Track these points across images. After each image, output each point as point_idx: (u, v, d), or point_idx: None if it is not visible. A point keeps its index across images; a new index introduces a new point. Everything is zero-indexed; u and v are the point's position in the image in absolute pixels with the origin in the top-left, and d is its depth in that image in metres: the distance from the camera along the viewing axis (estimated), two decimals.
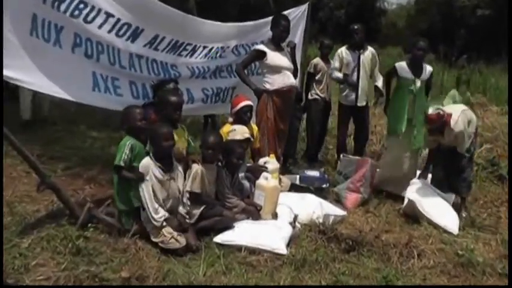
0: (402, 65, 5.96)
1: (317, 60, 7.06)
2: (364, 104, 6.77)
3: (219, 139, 4.77)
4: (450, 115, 5.18)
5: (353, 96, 6.69)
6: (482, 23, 21.74)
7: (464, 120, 5.26)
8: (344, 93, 6.81)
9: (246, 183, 4.99)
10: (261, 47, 5.80)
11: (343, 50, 6.74)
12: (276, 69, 5.73)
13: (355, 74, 6.63)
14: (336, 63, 6.75)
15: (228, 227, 4.36)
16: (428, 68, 6.01)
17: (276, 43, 5.82)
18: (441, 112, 5.22)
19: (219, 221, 4.39)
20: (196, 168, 4.42)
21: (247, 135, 5.18)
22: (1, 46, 4.43)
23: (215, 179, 4.66)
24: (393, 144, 6.15)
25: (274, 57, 5.73)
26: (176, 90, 5.22)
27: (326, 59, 7.03)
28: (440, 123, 5.21)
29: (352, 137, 7.33)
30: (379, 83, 6.77)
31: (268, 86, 5.72)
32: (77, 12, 4.92)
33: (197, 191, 4.38)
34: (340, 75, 6.68)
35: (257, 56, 5.80)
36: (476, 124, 5.55)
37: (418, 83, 5.85)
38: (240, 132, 5.15)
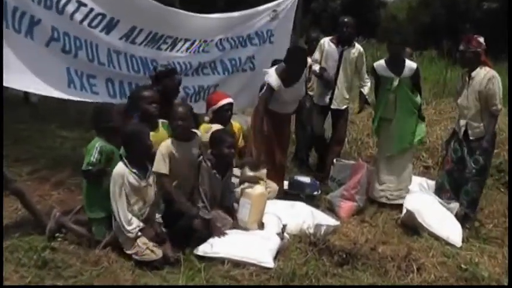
0: (381, 64, 5.91)
1: None
2: (341, 107, 6.49)
3: (188, 109, 4.64)
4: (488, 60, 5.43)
5: (328, 96, 6.42)
6: (488, 17, 21.87)
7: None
8: (318, 92, 6.54)
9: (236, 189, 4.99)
10: (274, 82, 5.34)
11: (326, 41, 6.43)
12: (281, 101, 5.51)
13: (334, 71, 6.33)
14: (316, 55, 6.44)
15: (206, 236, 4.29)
16: (410, 65, 5.85)
17: (292, 79, 5.45)
18: (481, 40, 5.43)
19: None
20: (161, 147, 4.37)
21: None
22: (1, 46, 4.39)
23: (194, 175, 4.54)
24: (381, 146, 6.17)
25: (284, 94, 5.44)
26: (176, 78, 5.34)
27: None
28: (473, 49, 5.42)
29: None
30: (366, 89, 6.50)
31: None
32: (49, 3, 4.90)
33: (163, 171, 4.34)
34: (317, 67, 6.36)
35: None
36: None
37: (396, 81, 5.76)
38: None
